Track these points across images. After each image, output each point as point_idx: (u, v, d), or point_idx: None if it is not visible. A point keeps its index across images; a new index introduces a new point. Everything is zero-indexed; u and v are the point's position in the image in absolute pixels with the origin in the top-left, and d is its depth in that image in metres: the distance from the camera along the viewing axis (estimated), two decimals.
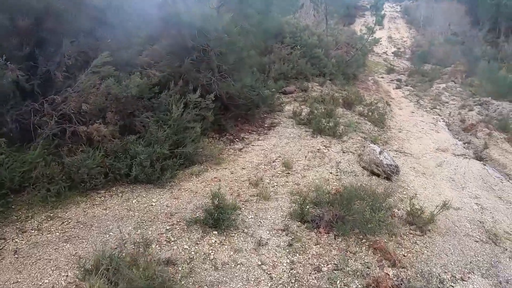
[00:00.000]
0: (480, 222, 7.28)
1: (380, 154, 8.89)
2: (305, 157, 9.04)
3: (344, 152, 9.68)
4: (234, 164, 8.39)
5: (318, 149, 9.51)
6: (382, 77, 25.09)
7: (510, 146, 12.58)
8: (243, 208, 6.60)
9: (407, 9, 43.01)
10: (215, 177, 7.66)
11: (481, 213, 7.76)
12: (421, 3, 40.46)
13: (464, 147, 12.47)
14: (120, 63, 7.48)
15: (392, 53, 33.54)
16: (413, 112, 16.64)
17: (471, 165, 10.60)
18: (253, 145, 9.47)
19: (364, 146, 9.74)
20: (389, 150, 10.60)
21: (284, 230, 6.08)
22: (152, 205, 6.42)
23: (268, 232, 6.04)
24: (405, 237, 6.36)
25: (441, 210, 6.83)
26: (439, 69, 27.22)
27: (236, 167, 8.25)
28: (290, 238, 5.92)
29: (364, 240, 6.05)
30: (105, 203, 6.31)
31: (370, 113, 13.29)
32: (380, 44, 32.04)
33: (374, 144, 10.12)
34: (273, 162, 8.64)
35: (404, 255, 5.87)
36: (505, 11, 31.98)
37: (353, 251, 5.80)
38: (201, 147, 8.28)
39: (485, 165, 10.98)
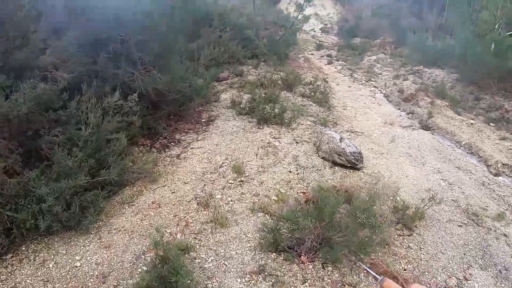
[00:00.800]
0: (455, 201, 6.92)
1: (341, 141, 7.76)
2: (256, 155, 7.57)
3: (297, 143, 8.36)
4: (174, 178, 6.70)
5: (268, 143, 8.08)
6: (312, 54, 24.70)
7: (453, 113, 12.57)
8: (197, 247, 4.97)
9: None
10: (152, 202, 5.90)
11: (451, 190, 7.41)
12: None
13: (409, 118, 12.43)
14: (13, 68, 5.55)
15: (320, 29, 33.24)
16: (350, 87, 16.17)
17: (421, 136, 10.49)
18: (192, 148, 7.77)
19: (319, 133, 8.65)
20: (341, 132, 9.74)
21: (259, 273, 4.57)
22: (76, 266, 4.55)
23: (239, 280, 4.50)
24: (396, 242, 5.48)
25: (429, 205, 6.15)
26: (368, 42, 27.39)
27: (177, 182, 6.57)
28: (271, 283, 4.45)
29: (358, 262, 4.81)
30: (14, 275, 4.34)
31: (312, 93, 12.17)
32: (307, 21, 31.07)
33: (326, 127, 9.32)
34: (220, 167, 7.07)
35: (404, 269, 4.99)
36: None
37: (351, 282, 4.59)
38: (130, 162, 6.53)
39: (433, 134, 11.00)
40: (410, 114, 12.81)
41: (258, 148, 7.80)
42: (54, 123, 5.67)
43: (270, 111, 9.04)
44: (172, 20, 7.93)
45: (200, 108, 9.78)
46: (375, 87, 16.71)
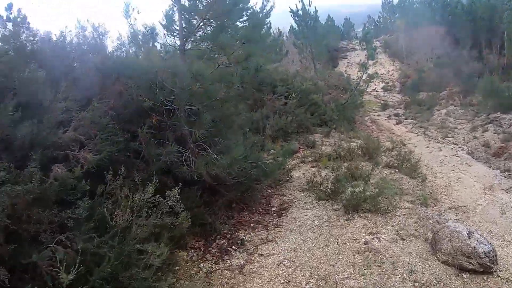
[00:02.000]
0: None
1: (469, 237, 5.41)
2: (353, 266, 5.21)
3: (403, 239, 5.98)
4: None
5: (365, 243, 5.75)
6: (379, 115, 22.86)
7: None
8: None
9: (386, 42, 40.57)
10: None
11: None
12: (400, 34, 38.05)
13: (506, 177, 10.38)
14: (24, 146, 3.86)
15: (382, 88, 31.09)
16: (427, 147, 14.18)
17: None
18: (261, 255, 5.49)
19: (425, 219, 6.66)
20: (444, 210, 7.68)
21: None
22: None
23: None
24: None
25: None
26: (434, 95, 25.26)
27: None
28: None
29: None
30: None
31: (400, 163, 9.83)
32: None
33: (427, 207, 7.29)
34: None
35: None
36: (481, 24, 30.92)
37: None
38: (173, 280, 4.38)
39: None
40: (506, 172, 10.71)
41: (353, 254, 5.47)
42: (58, 229, 3.77)
43: (359, 193, 6.66)
44: (232, 85, 5.93)
45: (269, 191, 7.68)
46: (454, 143, 14.73)
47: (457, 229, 5.52)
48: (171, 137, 5.83)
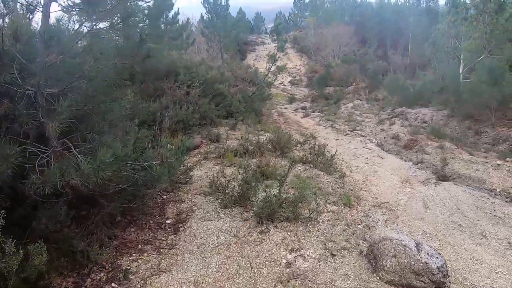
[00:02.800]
0: None
1: (419, 251, 4.44)
2: None
3: (333, 255, 4.75)
4: None
5: (288, 267, 4.38)
6: (286, 108, 22.63)
7: (469, 155, 10.74)
8: None
9: (295, 38, 40.61)
10: None
11: None
12: (308, 31, 38.24)
13: (420, 169, 10.28)
14: None
15: (289, 82, 30.88)
16: (337, 140, 13.82)
17: (450, 192, 8.30)
18: None
19: (365, 229, 5.72)
20: (369, 209, 6.81)
21: None
22: None
23: None
24: None
25: None
26: (341, 89, 25.65)
27: None
28: None
29: None
30: None
31: (315, 157, 8.72)
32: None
33: (350, 208, 6.28)
34: None
35: None
36: (388, 26, 33.28)
37: None
38: None
39: (457, 185, 8.96)
40: (419, 164, 10.62)
41: (274, 285, 4.05)
42: None
43: (274, 197, 5.32)
44: (108, 63, 4.22)
45: (164, 197, 6.12)
46: (362, 136, 14.57)
47: (403, 242, 4.47)
48: (31, 132, 4.07)
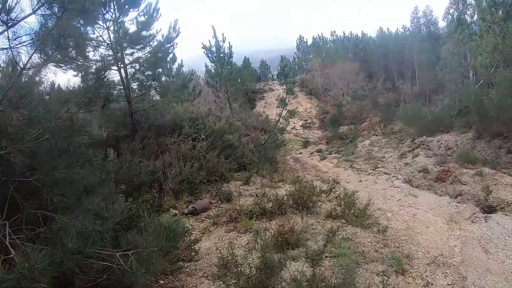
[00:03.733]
0: None
1: None
2: None
3: None
4: None
5: None
6: (301, 153, 21.25)
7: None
8: None
9: (303, 81, 39.52)
10: None
11: None
12: (315, 72, 37.40)
13: (460, 202, 8.94)
14: None
15: (301, 126, 29.70)
16: (360, 181, 12.11)
17: (507, 227, 6.88)
18: None
19: None
20: (425, 271, 5.33)
21: None
22: None
23: None
24: None
25: None
26: (355, 127, 24.77)
27: None
28: None
29: None
30: None
31: (345, 210, 7.23)
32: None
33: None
34: None
35: None
36: (393, 57, 32.63)
37: None
38: None
39: (507, 215, 7.63)
40: (458, 197, 9.29)
41: None
42: None
43: (305, 282, 3.77)
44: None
45: (161, 282, 4.60)
46: (386, 173, 13.11)
47: None
48: None
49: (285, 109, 15.56)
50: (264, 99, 36.15)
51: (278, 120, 15.67)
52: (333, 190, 8.96)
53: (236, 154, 10.90)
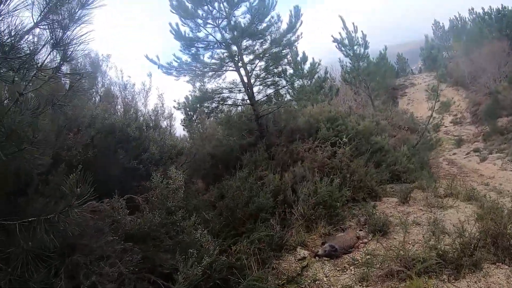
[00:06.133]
0: None
1: None
2: None
3: None
4: None
5: None
6: (455, 153, 16.81)
7: None
8: None
9: (447, 71, 32.57)
10: None
11: None
12: (459, 59, 30.45)
13: None
14: None
15: (450, 122, 23.98)
16: None
17: None
18: None
19: None
20: None
21: None
22: None
23: None
24: None
25: None
26: None
27: None
28: None
29: None
30: None
31: None
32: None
33: None
34: None
35: None
36: None
37: None
38: None
39: None
40: None
41: None
42: None
43: None
44: None
45: None
46: None
47: None
48: None
49: (438, 101, 12.05)
50: (406, 95, 31.14)
51: (431, 115, 12.18)
52: None
53: (388, 161, 8.01)
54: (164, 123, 7.59)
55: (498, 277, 3.75)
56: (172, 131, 7.99)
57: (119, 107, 6.54)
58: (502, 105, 20.84)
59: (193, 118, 11.41)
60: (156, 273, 2.99)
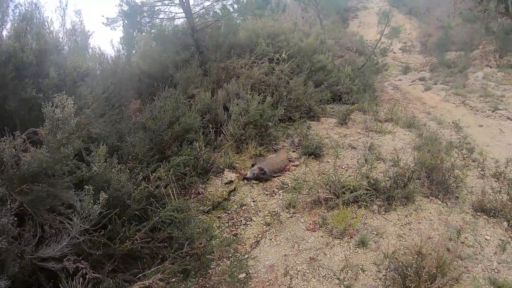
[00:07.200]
0: None
1: None
2: None
3: None
4: None
5: None
6: (400, 80, 16.51)
7: None
8: None
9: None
10: None
11: None
12: None
13: None
14: None
15: (400, 49, 23.59)
16: (481, 126, 8.14)
17: None
18: None
19: None
20: None
21: None
22: None
23: None
24: None
25: None
26: (465, 54, 18.70)
27: None
28: None
29: None
30: None
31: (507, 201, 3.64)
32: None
33: None
34: None
35: None
36: None
37: None
38: None
39: None
40: None
41: None
42: None
43: None
44: None
45: None
46: (510, 118, 8.89)
47: None
48: None
49: (388, 25, 11.55)
50: (357, 18, 30.21)
51: (380, 38, 11.72)
52: (469, 146, 5.31)
53: (330, 80, 7.52)
54: (81, 43, 6.45)
55: (430, 212, 3.52)
56: (96, 51, 6.87)
57: (29, 28, 5.40)
58: (452, 40, 20.86)
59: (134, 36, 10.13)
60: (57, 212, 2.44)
